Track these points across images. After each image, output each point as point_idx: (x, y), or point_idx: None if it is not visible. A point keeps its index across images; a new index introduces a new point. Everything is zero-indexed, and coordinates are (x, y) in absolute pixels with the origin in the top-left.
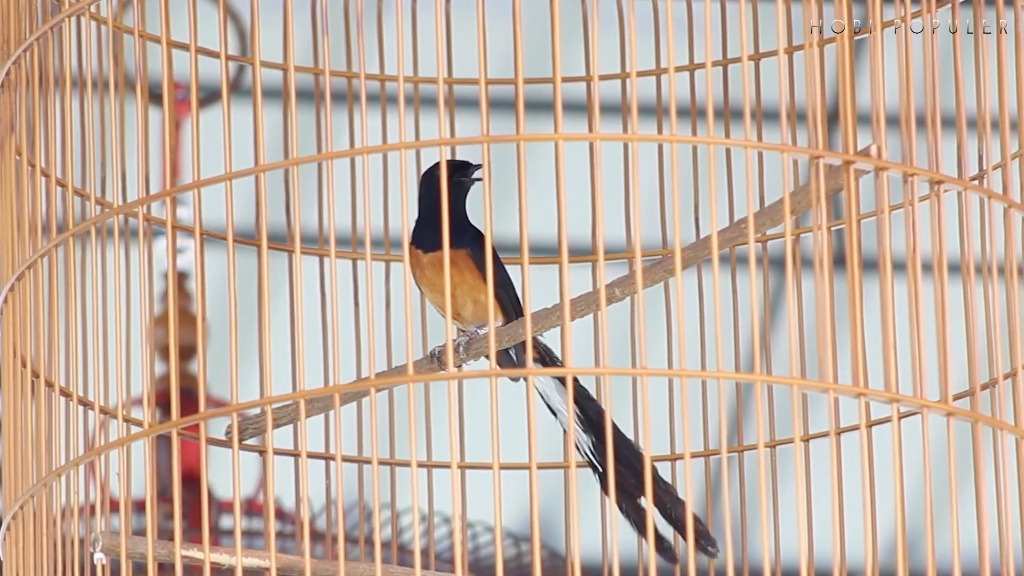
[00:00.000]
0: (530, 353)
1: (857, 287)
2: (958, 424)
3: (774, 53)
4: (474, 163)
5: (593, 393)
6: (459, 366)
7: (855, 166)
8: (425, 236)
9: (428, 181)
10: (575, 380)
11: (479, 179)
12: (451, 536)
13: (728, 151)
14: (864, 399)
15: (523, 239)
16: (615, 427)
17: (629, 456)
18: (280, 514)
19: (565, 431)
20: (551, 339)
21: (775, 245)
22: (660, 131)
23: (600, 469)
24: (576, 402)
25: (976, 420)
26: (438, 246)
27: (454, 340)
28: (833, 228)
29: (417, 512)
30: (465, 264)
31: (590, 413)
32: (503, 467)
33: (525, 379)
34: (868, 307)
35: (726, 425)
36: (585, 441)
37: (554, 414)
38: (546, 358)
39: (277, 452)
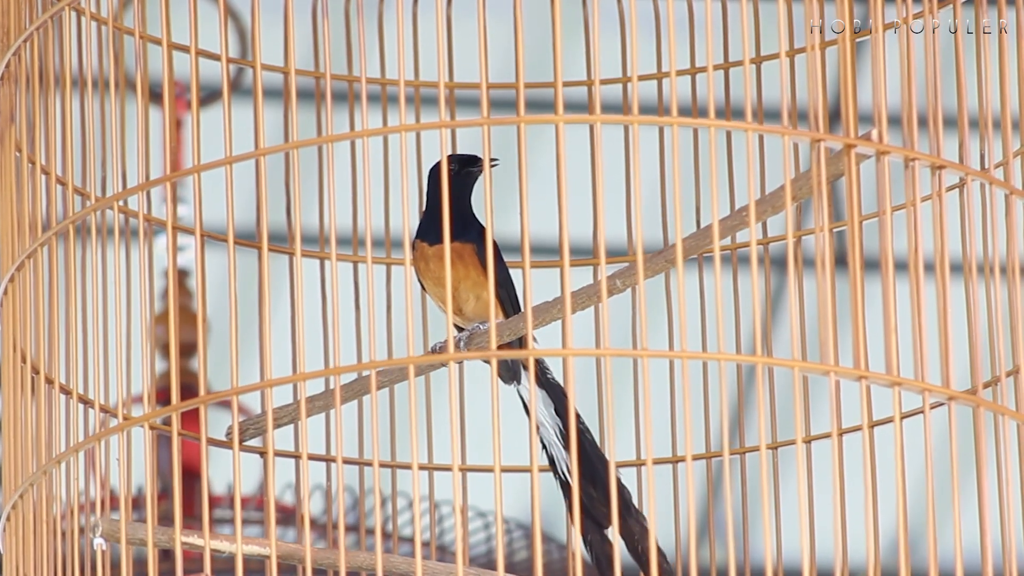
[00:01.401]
0: (530, 339)
1: (859, 272)
2: (960, 420)
3: (776, 56)
4: (480, 157)
5: (594, 378)
6: (459, 361)
7: (856, 150)
8: (431, 230)
9: (435, 176)
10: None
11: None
12: (435, 521)
13: (729, 141)
14: (865, 382)
15: (523, 226)
16: (596, 449)
17: (606, 482)
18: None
19: (545, 447)
20: (551, 333)
21: (776, 246)
22: (660, 130)
23: (573, 488)
24: (563, 419)
25: (977, 405)
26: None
27: (455, 336)
28: (835, 230)
29: (419, 507)
30: (471, 259)
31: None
32: (504, 470)
33: (524, 369)
34: (869, 298)
35: (727, 419)
36: (563, 459)
37: (536, 428)
38: (538, 372)
39: (278, 453)
